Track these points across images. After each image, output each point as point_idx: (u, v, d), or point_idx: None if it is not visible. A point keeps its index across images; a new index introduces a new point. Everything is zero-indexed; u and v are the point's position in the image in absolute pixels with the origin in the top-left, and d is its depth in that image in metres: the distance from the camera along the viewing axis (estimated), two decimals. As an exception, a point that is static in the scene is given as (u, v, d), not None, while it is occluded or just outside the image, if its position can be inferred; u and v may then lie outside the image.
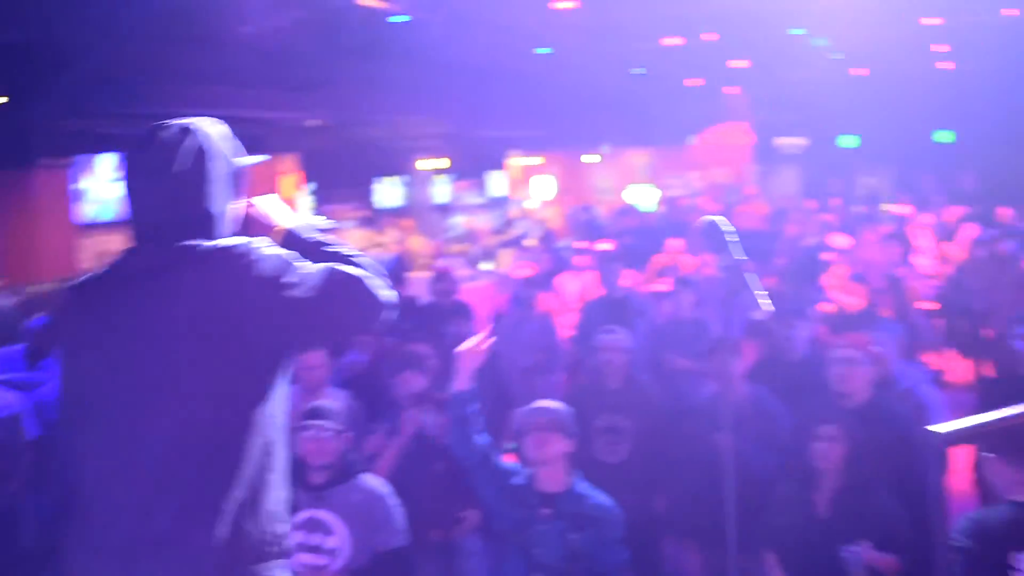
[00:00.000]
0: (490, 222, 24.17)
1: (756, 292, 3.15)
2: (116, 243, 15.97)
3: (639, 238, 16.43)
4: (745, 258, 3.25)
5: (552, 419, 4.95)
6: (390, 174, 23.34)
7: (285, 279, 2.77)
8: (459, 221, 24.20)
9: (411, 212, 23.48)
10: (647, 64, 20.74)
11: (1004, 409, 3.98)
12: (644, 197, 26.15)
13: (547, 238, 17.18)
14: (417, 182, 24.14)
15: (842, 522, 5.29)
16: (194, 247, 2.84)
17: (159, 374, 2.77)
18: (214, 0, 11.76)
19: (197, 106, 14.20)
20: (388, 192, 23.67)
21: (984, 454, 4.31)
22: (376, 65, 15.97)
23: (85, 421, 2.88)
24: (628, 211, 20.36)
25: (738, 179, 27.13)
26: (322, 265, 2.87)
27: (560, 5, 14.17)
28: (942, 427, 3.70)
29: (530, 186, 28.20)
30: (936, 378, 12.40)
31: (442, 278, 10.70)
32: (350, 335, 2.68)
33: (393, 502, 5.33)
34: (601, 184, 28.58)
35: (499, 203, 26.73)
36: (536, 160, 27.89)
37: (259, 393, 2.84)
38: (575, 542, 4.82)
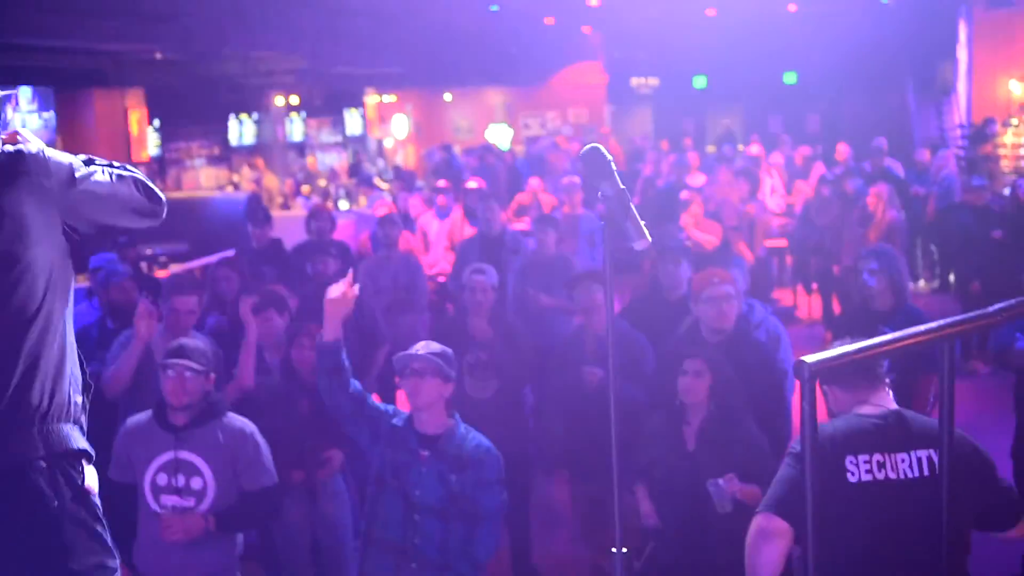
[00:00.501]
0: (346, 161, 24.04)
1: (638, 222, 3.11)
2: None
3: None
4: (624, 187, 3.21)
5: (430, 363, 4.89)
6: (243, 111, 23.04)
7: (74, 170, 3.13)
8: (313, 159, 23.98)
9: (264, 151, 23.34)
10: (503, 2, 20.62)
11: (867, 340, 4.12)
12: (501, 136, 26.26)
13: (405, 177, 17.13)
14: (271, 119, 23.97)
15: (709, 454, 5.36)
16: None
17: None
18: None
19: (40, 36, 13.83)
20: (240, 130, 23.32)
21: (825, 387, 4.38)
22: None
23: None
24: (488, 149, 20.39)
25: (592, 119, 27.33)
26: (98, 166, 3.22)
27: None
28: (811, 358, 3.77)
29: (387, 124, 28.00)
30: (787, 313, 12.79)
31: (318, 215, 10.55)
32: (130, 220, 2.95)
33: (259, 441, 5.27)
34: (458, 123, 28.51)
35: (355, 141, 26.59)
36: (392, 98, 27.69)
37: (49, 267, 3.11)
38: (455, 483, 4.84)
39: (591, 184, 3.29)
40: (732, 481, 5.15)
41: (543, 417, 7.10)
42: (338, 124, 26.50)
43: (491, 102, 28.60)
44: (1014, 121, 20.99)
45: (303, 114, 25.01)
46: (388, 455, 4.95)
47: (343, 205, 18.26)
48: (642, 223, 3.22)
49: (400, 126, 28.12)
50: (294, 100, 23.94)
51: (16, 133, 3.20)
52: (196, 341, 5.48)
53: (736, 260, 8.26)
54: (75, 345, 3.25)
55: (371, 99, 27.27)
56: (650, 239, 3.26)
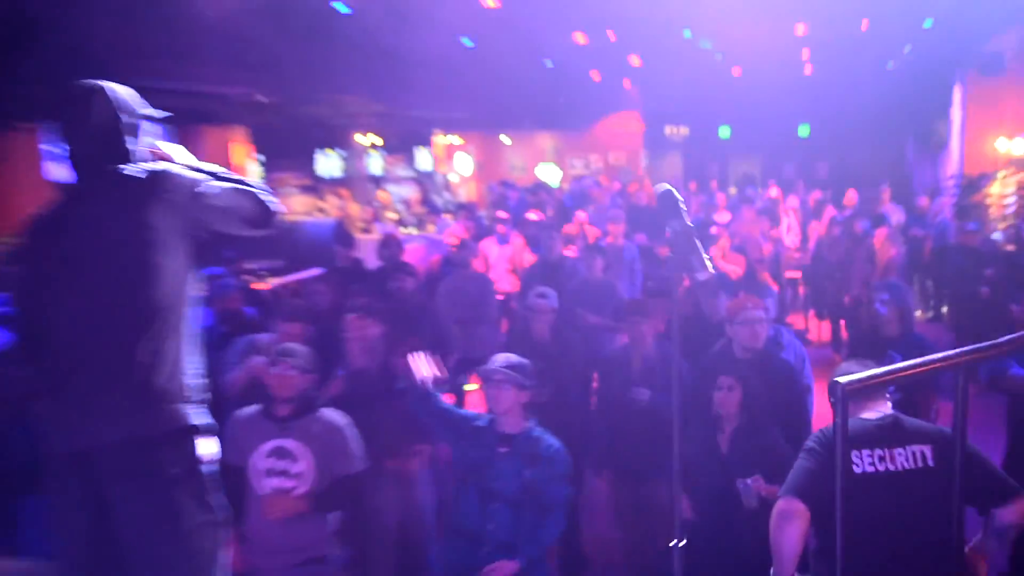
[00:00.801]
0: (417, 193, 24.18)
1: (702, 255, 3.25)
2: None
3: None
4: (692, 224, 3.34)
5: (507, 375, 5.02)
6: (330, 147, 23.22)
7: (193, 189, 3.35)
8: (390, 191, 24.16)
9: (348, 182, 23.50)
10: (556, 58, 20.71)
11: (893, 365, 4.27)
12: (550, 175, 26.26)
13: (469, 208, 17.23)
14: (354, 155, 24.14)
15: (739, 458, 5.46)
16: (115, 170, 3.36)
17: (94, 262, 3.28)
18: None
19: (160, 79, 14.08)
20: (328, 163, 23.49)
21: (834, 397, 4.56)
22: (319, 49, 15.87)
23: (46, 311, 3.31)
24: (540, 186, 20.45)
25: (630, 162, 27.35)
26: (219, 183, 3.45)
27: (485, 3, 14.12)
28: (844, 379, 3.92)
29: (452, 161, 28.15)
30: (800, 336, 12.84)
31: (388, 243, 10.61)
32: (243, 229, 3.21)
33: (351, 432, 5.34)
34: (514, 162, 28.65)
35: (425, 176, 26.68)
36: (457, 139, 27.83)
37: (175, 269, 3.33)
38: (528, 477, 4.94)
39: (663, 220, 3.37)
40: (758, 481, 5.24)
41: (592, 421, 7.17)
42: (410, 160, 26.53)
43: (542, 145, 28.56)
44: (1001, 174, 20.98)
45: (381, 151, 25.13)
46: (469, 453, 5.06)
47: (413, 231, 18.38)
48: (705, 256, 3.32)
49: (463, 164, 28.18)
50: (374, 139, 24.11)
51: (158, 150, 3.50)
52: (300, 347, 5.55)
53: (768, 291, 8.33)
54: (196, 338, 3.42)
55: (439, 139, 27.31)
56: (712, 271, 3.34)
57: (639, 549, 6.92)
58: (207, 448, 3.37)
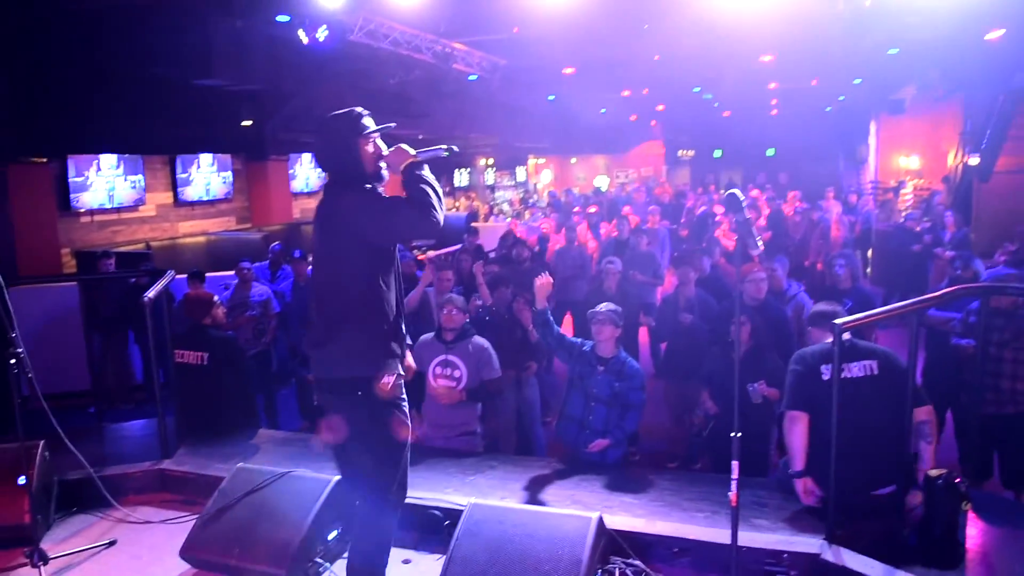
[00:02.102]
0: (517, 195, 24.05)
1: (756, 238, 2.92)
2: (312, 203, 15.97)
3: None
4: (750, 217, 3.00)
5: (608, 316, 4.82)
6: (461, 167, 22.96)
7: (381, 213, 2.97)
8: (500, 195, 24.06)
9: (473, 189, 23.42)
10: (608, 107, 20.41)
11: (870, 311, 3.89)
12: (602, 183, 26.06)
13: (556, 204, 16.96)
14: (476, 171, 24.04)
15: (749, 369, 5.12)
16: (338, 189, 3.06)
17: (317, 250, 3.14)
18: (374, 65, 11.49)
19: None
20: (460, 177, 23.26)
21: (810, 328, 4.39)
22: (457, 104, 15.70)
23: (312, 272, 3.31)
24: (598, 192, 20.14)
25: (656, 173, 26.99)
26: (404, 208, 2.96)
27: (565, 70, 13.80)
28: (840, 320, 3.56)
29: (539, 175, 27.89)
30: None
31: (507, 235, 10.28)
32: (412, 238, 3.19)
33: (492, 352, 5.18)
34: (578, 175, 28.35)
35: (522, 185, 26.40)
36: (541, 160, 27.71)
37: (358, 263, 3.01)
38: (616, 387, 4.73)
39: (728, 212, 3.09)
40: (762, 385, 5.01)
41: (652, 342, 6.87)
42: (513, 174, 26.25)
43: (597, 163, 28.29)
44: (904, 180, 20.69)
45: (494, 168, 24.98)
46: (577, 368, 4.83)
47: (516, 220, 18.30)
48: (758, 239, 3.01)
49: (546, 177, 27.99)
50: (489, 161, 24.02)
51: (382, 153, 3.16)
52: (458, 296, 5.38)
53: (779, 259, 7.81)
54: (392, 299, 3.10)
55: (531, 161, 27.11)
56: (762, 248, 3.05)
57: (680, 433, 6.66)
58: (398, 369, 3.12)
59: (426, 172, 3.08)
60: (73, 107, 9.44)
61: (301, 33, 8.26)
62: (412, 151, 3.15)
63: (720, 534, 3.64)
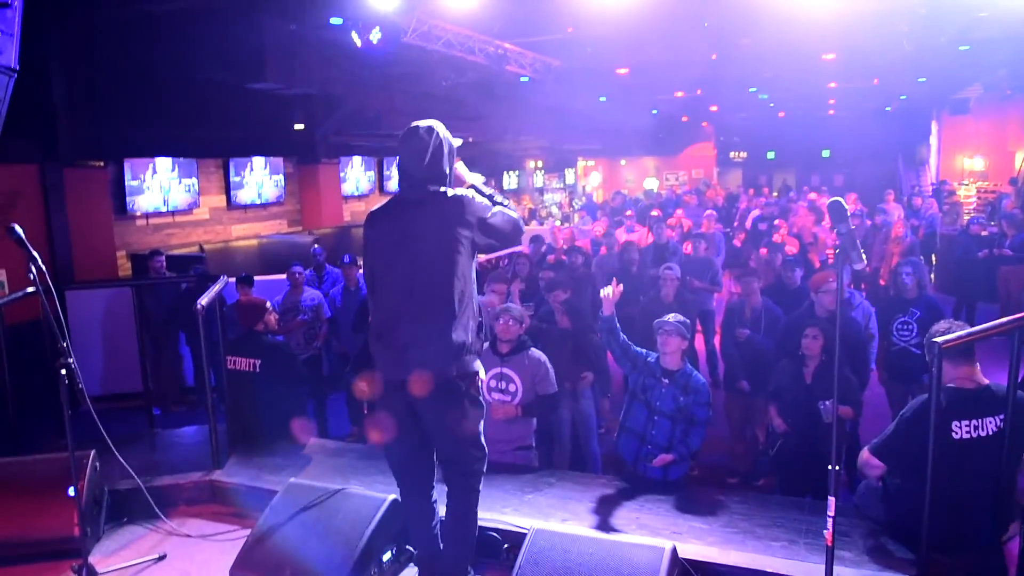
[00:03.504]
0: (567, 197, 23.78)
1: (859, 250, 2.66)
2: (362, 206, 15.95)
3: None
4: (854, 227, 2.73)
5: (676, 328, 4.58)
6: (510, 169, 22.78)
7: (486, 213, 3.13)
8: (548, 197, 23.82)
9: (522, 191, 23.19)
10: (659, 107, 20.05)
11: (977, 327, 3.53)
12: (652, 185, 25.66)
13: (604, 207, 16.67)
14: (525, 174, 23.81)
15: (819, 387, 4.87)
16: (442, 191, 3.11)
17: (412, 252, 3.09)
18: (426, 69, 11.38)
19: (398, 129, 13.98)
20: (509, 179, 23.08)
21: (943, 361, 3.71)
22: (508, 107, 15.56)
23: (380, 275, 3.20)
24: (649, 194, 19.76)
25: (707, 175, 26.48)
26: (498, 207, 3.21)
27: (619, 71, 13.51)
28: (940, 339, 3.23)
29: (588, 177, 27.53)
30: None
31: (536, 239, 9.99)
32: (507, 245, 3.08)
33: (549, 366, 4.94)
34: (627, 177, 27.95)
35: (570, 187, 26.12)
36: (590, 163, 27.37)
37: (467, 264, 3.11)
38: (682, 401, 4.49)
39: (834, 224, 2.81)
40: (833, 403, 4.61)
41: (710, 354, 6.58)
42: (561, 177, 25.98)
43: (647, 165, 27.93)
44: (966, 182, 19.94)
45: (542, 171, 24.73)
46: (641, 379, 4.59)
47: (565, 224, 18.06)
48: (861, 251, 2.75)
49: (595, 179, 27.61)
50: (538, 163, 23.80)
51: (460, 173, 3.27)
52: (515, 306, 5.17)
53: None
54: (476, 308, 3.21)
55: (580, 163, 26.80)
56: (865, 262, 2.79)
57: (742, 448, 6.37)
58: (482, 374, 3.26)
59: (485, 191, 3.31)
60: (129, 111, 9.50)
61: (354, 36, 8.15)
62: (468, 176, 3.32)
63: (800, 567, 3.38)
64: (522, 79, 13.13)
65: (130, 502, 4.25)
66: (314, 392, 7.23)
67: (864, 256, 2.72)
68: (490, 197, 3.26)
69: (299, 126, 12.71)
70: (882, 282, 10.73)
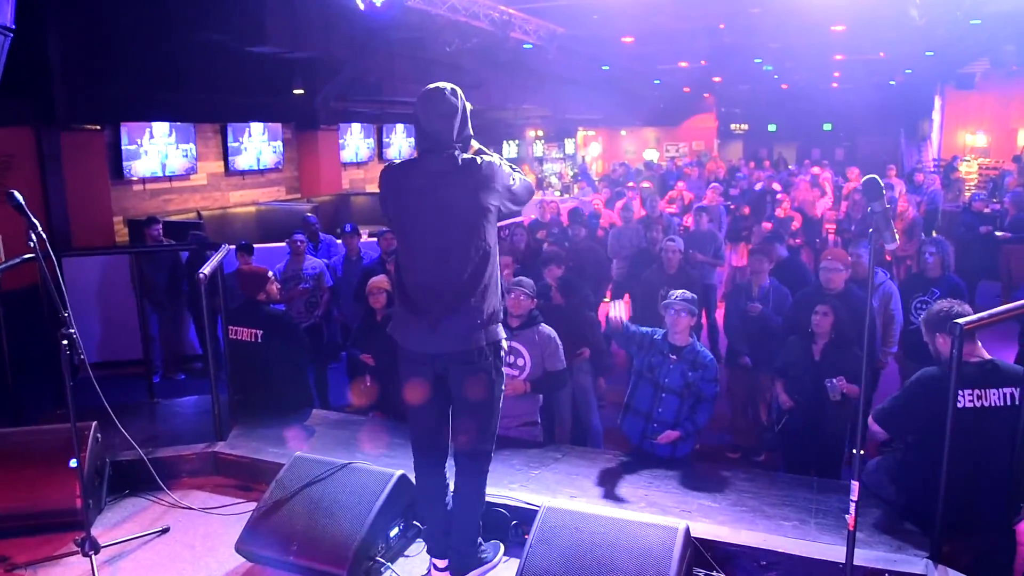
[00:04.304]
0: (567, 168, 23.58)
1: (893, 230, 2.58)
2: (361, 174, 15.76)
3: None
4: (889, 206, 2.65)
5: (685, 305, 4.50)
6: (510, 138, 22.55)
7: (511, 180, 3.10)
8: (548, 167, 23.61)
9: (523, 160, 22.88)
10: (661, 78, 19.80)
11: (998, 308, 3.46)
12: (652, 156, 25.46)
13: (605, 179, 16.51)
14: (525, 143, 23.60)
15: (827, 364, 4.80)
16: (471, 159, 3.03)
17: (444, 221, 2.99)
18: (429, 34, 11.16)
19: (408, 96, 13.76)
20: (509, 149, 22.82)
21: (937, 334, 3.68)
22: (508, 74, 15.33)
23: (405, 242, 3.14)
24: (650, 164, 19.55)
25: (707, 147, 26.26)
26: (518, 174, 3.18)
27: (624, 40, 13.30)
28: (962, 320, 3.16)
29: (587, 148, 27.29)
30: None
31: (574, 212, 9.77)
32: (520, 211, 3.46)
33: (558, 342, 4.85)
34: (627, 148, 27.72)
35: (570, 158, 25.91)
36: (591, 133, 27.12)
37: (494, 231, 3.09)
38: (690, 377, 4.43)
39: (867, 202, 2.73)
40: (841, 381, 4.63)
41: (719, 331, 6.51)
42: (561, 147, 25.73)
43: (647, 136, 27.72)
44: (968, 159, 19.78)
45: (543, 140, 24.48)
46: (647, 358, 4.52)
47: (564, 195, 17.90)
48: (895, 230, 2.66)
49: (594, 150, 27.36)
50: (538, 133, 23.58)
51: (481, 151, 3.16)
52: (527, 279, 5.06)
53: (864, 243, 7.33)
54: (500, 285, 3.18)
55: (580, 133, 26.55)
56: (898, 241, 2.71)
57: (744, 423, 6.33)
58: (504, 344, 3.25)
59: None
60: (127, 74, 9.31)
61: (357, -1, 7.96)
62: (476, 144, 3.22)
63: (812, 547, 3.34)
64: (525, 46, 12.91)
65: (132, 474, 4.19)
66: (314, 361, 7.16)
67: (895, 236, 2.63)
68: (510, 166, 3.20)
69: (299, 91, 12.50)
70: (887, 257, 10.67)
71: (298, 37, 9.84)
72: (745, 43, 13.84)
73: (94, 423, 3.97)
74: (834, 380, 4.67)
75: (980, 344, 3.56)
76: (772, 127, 26.74)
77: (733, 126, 27.54)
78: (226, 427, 4.64)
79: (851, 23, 12.00)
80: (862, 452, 2.84)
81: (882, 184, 2.64)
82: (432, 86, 3.06)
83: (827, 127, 25.99)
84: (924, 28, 10.51)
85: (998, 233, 9.82)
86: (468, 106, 3.10)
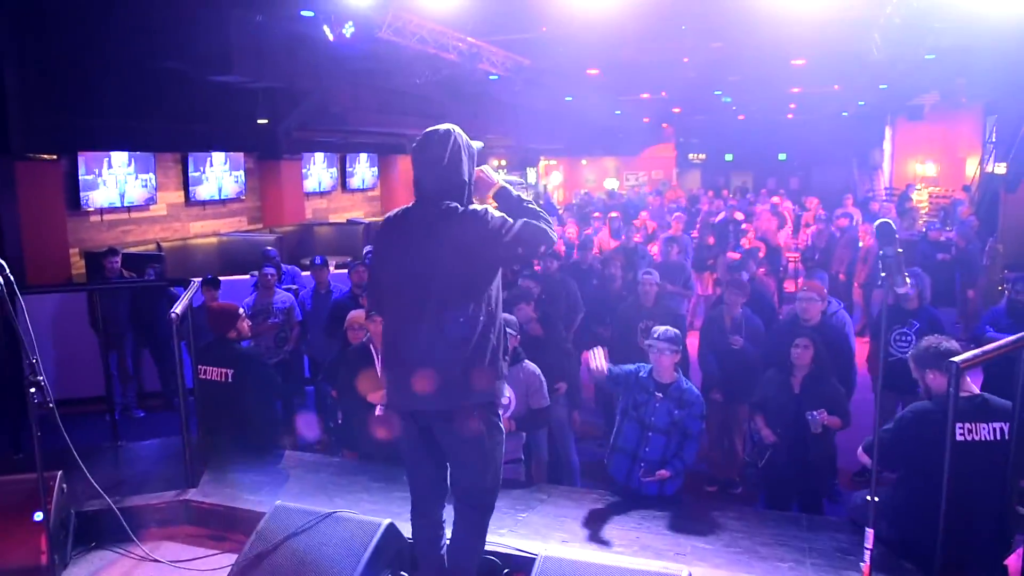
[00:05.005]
0: (529, 195, 23.71)
1: (904, 274, 2.56)
2: (324, 204, 15.59)
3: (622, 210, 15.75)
4: (901, 250, 2.64)
5: (669, 345, 4.44)
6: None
7: (503, 230, 2.80)
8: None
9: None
10: (623, 108, 20.05)
11: (994, 343, 3.47)
12: (612, 185, 25.75)
13: (571, 208, 16.53)
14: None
15: (808, 397, 4.81)
16: (454, 208, 2.83)
17: (427, 276, 2.82)
18: (398, 65, 11.12)
19: (372, 126, 13.65)
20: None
21: (928, 370, 3.68)
22: (473, 104, 15.38)
23: (388, 296, 2.98)
24: (613, 194, 19.69)
25: (667, 176, 26.66)
26: (520, 221, 2.85)
27: (590, 71, 13.44)
28: (958, 358, 3.16)
29: (549, 176, 27.50)
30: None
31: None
32: (532, 259, 2.99)
33: (543, 380, 4.80)
34: (587, 177, 27.98)
35: (532, 186, 26.06)
36: (552, 162, 27.34)
37: (487, 284, 2.88)
38: (677, 415, 4.38)
39: (880, 246, 2.70)
40: (822, 413, 4.65)
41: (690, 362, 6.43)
42: (524, 175, 25.84)
43: (607, 165, 28.01)
44: (919, 187, 20.36)
45: (505, 170, 24.59)
46: (632, 396, 4.47)
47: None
48: (906, 275, 2.65)
49: (555, 178, 27.58)
50: (501, 161, 23.67)
51: (483, 175, 3.02)
52: (512, 317, 4.95)
53: (819, 275, 7.40)
54: (503, 332, 2.98)
55: (542, 162, 26.73)
56: (909, 283, 2.70)
57: (719, 456, 6.29)
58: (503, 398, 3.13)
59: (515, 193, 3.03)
60: (84, 102, 9.07)
61: (326, 29, 7.88)
62: (495, 177, 3.07)
63: (811, 590, 3.29)
64: (491, 77, 12.96)
65: (98, 524, 3.97)
66: (282, 397, 6.97)
67: (908, 279, 2.62)
68: (518, 200, 2.97)
69: (263, 121, 12.32)
70: (841, 277, 10.89)
71: (263, 66, 9.71)
72: (706, 76, 14.09)
73: (59, 472, 3.76)
74: (815, 412, 4.68)
75: (969, 378, 3.58)
76: (729, 157, 27.29)
77: (691, 156, 28.02)
78: (197, 472, 4.45)
79: (811, 57, 12.29)
80: (875, 499, 2.78)
81: (895, 228, 2.63)
82: (426, 132, 2.91)
83: (782, 157, 26.60)
84: (882, 62, 10.81)
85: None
86: (474, 145, 2.95)
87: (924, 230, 12.54)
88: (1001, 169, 14.25)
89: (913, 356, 3.79)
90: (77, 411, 6.47)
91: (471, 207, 2.87)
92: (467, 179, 2.89)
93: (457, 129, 2.92)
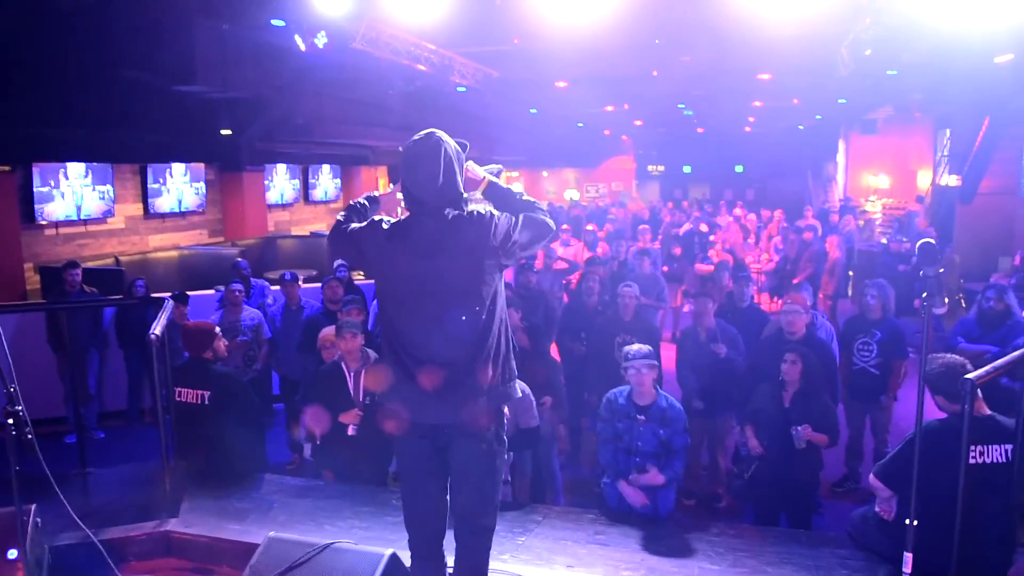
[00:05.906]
0: (489, 208, 23.70)
1: (943, 294, 2.52)
2: (287, 216, 15.29)
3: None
4: (942, 269, 2.59)
5: (647, 362, 4.38)
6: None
7: (511, 230, 2.78)
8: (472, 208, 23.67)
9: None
10: (585, 121, 20.16)
11: (1002, 360, 3.45)
12: (573, 196, 25.86)
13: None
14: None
15: (798, 413, 4.77)
16: (458, 215, 2.78)
17: (440, 281, 2.75)
18: (369, 76, 10.97)
19: (340, 137, 13.41)
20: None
21: (938, 396, 3.64)
22: (437, 116, 15.25)
23: (400, 313, 2.84)
24: (575, 205, 19.77)
25: (626, 188, 26.86)
26: (523, 217, 2.84)
27: (558, 84, 13.45)
28: (972, 375, 3.13)
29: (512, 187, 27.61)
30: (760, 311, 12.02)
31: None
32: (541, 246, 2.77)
33: (532, 399, 4.67)
34: (548, 188, 28.03)
35: (501, 170, 26.19)
36: (514, 173, 27.35)
37: (497, 286, 2.83)
38: (662, 435, 4.33)
39: (920, 267, 2.65)
40: (806, 429, 4.63)
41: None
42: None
43: (567, 176, 28.15)
44: (872, 199, 20.82)
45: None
46: (611, 426, 4.41)
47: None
48: (944, 296, 2.62)
49: (517, 188, 27.51)
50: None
51: (472, 173, 2.94)
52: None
53: (804, 286, 7.41)
54: (512, 341, 2.91)
55: (504, 173, 26.70)
56: (947, 303, 2.67)
57: (698, 469, 6.23)
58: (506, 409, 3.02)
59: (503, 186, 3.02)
60: (39, 112, 8.71)
61: (298, 39, 7.70)
62: (481, 172, 2.99)
63: (825, 612, 3.24)
64: (459, 89, 12.87)
65: (73, 559, 3.74)
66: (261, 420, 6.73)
67: (946, 299, 2.60)
68: (509, 193, 2.97)
69: (226, 132, 12.02)
70: (820, 296, 10.98)
71: (228, 77, 9.46)
72: (672, 89, 14.20)
73: (33, 505, 3.53)
74: (799, 428, 4.66)
75: (981, 397, 3.48)
76: (687, 168, 27.57)
77: (650, 167, 28.25)
78: (176, 500, 4.24)
79: (777, 72, 12.47)
80: (914, 523, 2.73)
81: (936, 247, 2.60)
82: (413, 143, 2.80)
83: (739, 169, 26.96)
84: (846, 78, 11.01)
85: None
86: (459, 150, 2.86)
87: (884, 241, 12.80)
88: (955, 181, 14.61)
89: (926, 378, 3.72)
90: (37, 433, 6.17)
91: (475, 211, 2.83)
92: (462, 188, 2.85)
93: (443, 136, 2.83)
